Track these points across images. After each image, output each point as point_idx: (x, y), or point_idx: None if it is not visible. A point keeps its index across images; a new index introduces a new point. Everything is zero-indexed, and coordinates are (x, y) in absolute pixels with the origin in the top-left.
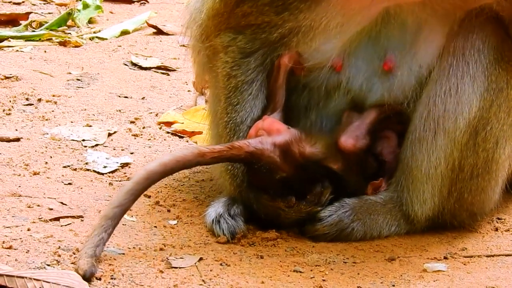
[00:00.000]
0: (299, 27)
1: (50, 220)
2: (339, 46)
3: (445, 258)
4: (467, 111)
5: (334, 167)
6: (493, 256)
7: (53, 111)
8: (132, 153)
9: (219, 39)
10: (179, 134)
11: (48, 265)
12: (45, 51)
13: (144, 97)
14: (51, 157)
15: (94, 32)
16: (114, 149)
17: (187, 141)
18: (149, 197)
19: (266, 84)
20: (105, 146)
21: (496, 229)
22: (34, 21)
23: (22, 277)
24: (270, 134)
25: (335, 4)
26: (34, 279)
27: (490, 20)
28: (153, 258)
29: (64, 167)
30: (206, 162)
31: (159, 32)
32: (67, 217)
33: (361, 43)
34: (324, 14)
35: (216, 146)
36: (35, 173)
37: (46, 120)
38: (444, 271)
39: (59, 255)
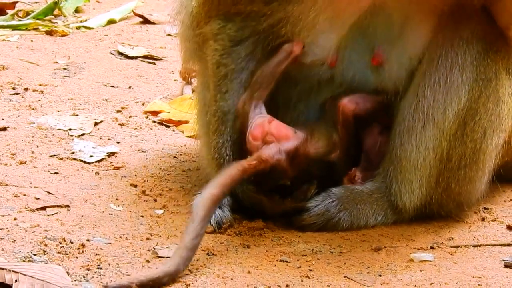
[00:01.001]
0: (288, 17)
1: (37, 209)
2: (334, 40)
3: (432, 248)
4: (456, 102)
5: (331, 158)
6: (479, 246)
7: (39, 100)
8: (118, 142)
9: (209, 27)
10: (166, 123)
11: (35, 254)
12: (31, 41)
13: (130, 86)
14: (37, 146)
15: (81, 22)
16: (100, 138)
17: (174, 130)
18: (136, 186)
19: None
20: (92, 135)
21: (483, 219)
22: (20, 10)
23: (3, 269)
24: (279, 140)
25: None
26: (13, 271)
27: (478, 10)
28: (140, 248)
29: (51, 156)
30: (246, 177)
31: (145, 21)
32: (53, 206)
33: (352, 37)
34: (313, 6)
35: (251, 162)
36: (21, 163)
37: (33, 109)
38: (430, 261)
39: (46, 245)
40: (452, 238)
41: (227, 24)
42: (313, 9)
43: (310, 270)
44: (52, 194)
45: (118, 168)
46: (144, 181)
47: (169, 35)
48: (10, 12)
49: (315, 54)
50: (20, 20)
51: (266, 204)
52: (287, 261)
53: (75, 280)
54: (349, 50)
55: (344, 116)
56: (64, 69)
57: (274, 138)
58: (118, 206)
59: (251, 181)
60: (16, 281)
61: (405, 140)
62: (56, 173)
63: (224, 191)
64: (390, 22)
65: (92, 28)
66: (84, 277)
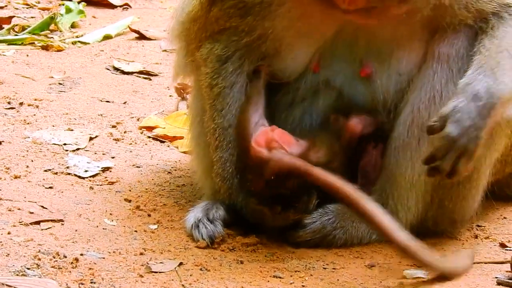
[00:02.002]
0: (266, 34)
1: (31, 223)
2: (311, 51)
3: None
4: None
5: (331, 167)
6: (472, 263)
7: (34, 115)
8: (113, 158)
9: (199, 53)
10: (161, 139)
11: (28, 268)
12: (27, 55)
13: (126, 102)
14: (32, 160)
15: (77, 37)
16: (95, 153)
17: (168, 146)
18: (130, 201)
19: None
20: (86, 150)
21: (476, 236)
22: (16, 25)
23: None
24: (283, 146)
25: (294, 14)
26: (7, 285)
27: (474, 28)
28: (133, 263)
29: (45, 170)
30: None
31: (141, 37)
32: (47, 220)
33: (337, 47)
34: (286, 23)
35: (296, 162)
36: (16, 177)
37: (28, 123)
38: (423, 278)
39: (39, 259)
40: (445, 255)
41: (214, 46)
42: (286, 24)
43: (303, 286)
44: (46, 208)
45: (112, 183)
46: (139, 196)
47: (165, 50)
48: (6, 26)
49: (296, 62)
50: (16, 35)
51: (269, 216)
52: (280, 277)
53: None
54: (335, 59)
55: (351, 136)
56: (60, 84)
57: (278, 144)
58: (112, 221)
59: (253, 193)
60: None
61: (400, 156)
62: (50, 187)
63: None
64: (380, 38)
65: (88, 43)
66: None
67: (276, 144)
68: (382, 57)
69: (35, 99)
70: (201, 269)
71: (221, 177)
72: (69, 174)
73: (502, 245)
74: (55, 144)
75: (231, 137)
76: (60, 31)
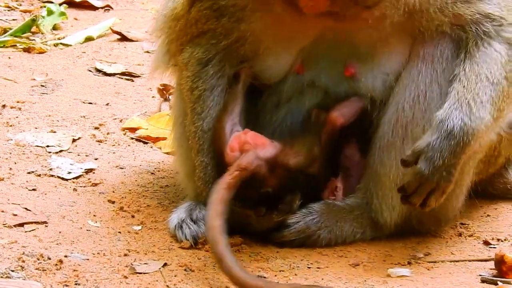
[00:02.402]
0: (244, 37)
1: (14, 226)
2: (293, 54)
3: (409, 263)
4: (435, 119)
5: (312, 171)
6: (456, 261)
7: (17, 117)
8: (96, 159)
9: (181, 57)
10: (143, 140)
11: (12, 270)
12: (9, 58)
13: (108, 103)
14: (15, 163)
15: (59, 39)
16: (78, 155)
17: (151, 147)
18: (113, 203)
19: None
20: (70, 152)
21: (460, 234)
22: None
23: None
24: (256, 148)
25: (268, 20)
26: None
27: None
28: (118, 264)
29: (29, 173)
30: (235, 189)
31: (123, 38)
32: (31, 222)
33: (320, 49)
34: (262, 27)
35: (232, 173)
36: None
37: (11, 126)
38: (408, 276)
39: (24, 261)
40: (429, 254)
41: (194, 50)
42: (263, 28)
43: None
44: (30, 210)
45: (96, 185)
46: (122, 197)
47: (147, 52)
48: None
49: (278, 64)
50: None
51: (252, 219)
52: (264, 277)
53: None
54: (319, 60)
55: (332, 128)
56: (42, 86)
57: (251, 146)
58: (96, 222)
59: (235, 196)
60: None
61: (384, 155)
62: (34, 189)
63: (221, 217)
64: (363, 39)
65: (70, 45)
66: None
67: (249, 146)
68: (365, 58)
69: (18, 102)
70: (185, 270)
71: (203, 181)
72: (52, 176)
73: (486, 243)
74: (38, 146)
75: (209, 140)
76: (42, 33)
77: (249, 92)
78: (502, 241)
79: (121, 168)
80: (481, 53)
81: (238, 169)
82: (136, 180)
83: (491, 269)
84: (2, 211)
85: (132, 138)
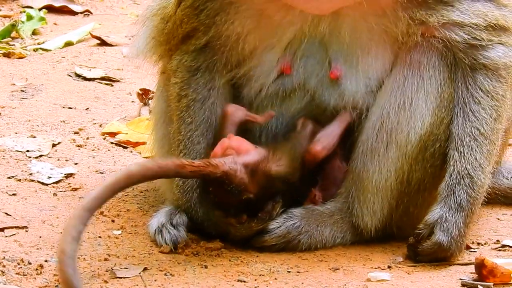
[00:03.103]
0: (229, 36)
1: None
2: (279, 50)
3: (389, 267)
4: (420, 126)
5: (292, 180)
6: (437, 265)
7: None
8: (76, 164)
9: (169, 65)
10: (123, 145)
11: None
12: None
13: (88, 108)
14: None
15: (38, 44)
16: (58, 160)
17: (131, 152)
18: None
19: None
20: (49, 157)
21: None
22: None
23: None
24: (239, 154)
25: (253, 14)
26: None
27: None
28: (98, 269)
29: (9, 177)
30: (185, 175)
31: (103, 43)
32: (11, 227)
33: (306, 49)
34: (247, 23)
35: (195, 161)
36: None
37: None
38: (388, 280)
39: (4, 266)
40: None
41: (183, 57)
42: (247, 24)
43: None
44: (10, 215)
45: (76, 189)
46: None
47: (127, 56)
48: None
49: (265, 64)
50: None
51: (232, 227)
52: (244, 281)
53: None
54: (306, 61)
55: (314, 160)
56: (22, 91)
57: (234, 151)
58: None
59: (216, 203)
60: None
61: (367, 160)
62: (14, 194)
63: (146, 175)
64: (348, 41)
65: (50, 50)
66: None
67: (231, 152)
68: (350, 60)
69: None
70: (165, 274)
71: (181, 189)
72: (32, 180)
73: (466, 247)
74: (18, 151)
75: (196, 153)
76: (22, 38)
77: (233, 88)
78: (482, 245)
79: (101, 172)
80: (471, 102)
81: (205, 163)
82: (151, 180)
83: (471, 273)
84: None
85: (111, 143)
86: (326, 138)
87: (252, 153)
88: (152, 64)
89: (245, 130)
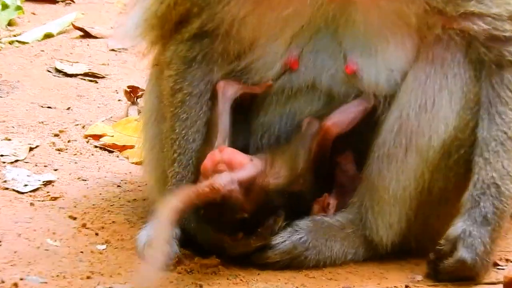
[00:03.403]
0: (227, 21)
1: None
2: (284, 42)
3: (407, 286)
4: (443, 130)
5: (294, 189)
6: (460, 284)
7: None
8: (56, 170)
9: (163, 56)
10: (109, 149)
11: None
12: None
13: (69, 107)
14: None
15: (14, 36)
16: (36, 166)
17: (118, 156)
18: (75, 219)
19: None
20: (26, 162)
21: None
22: None
23: None
24: (232, 169)
25: None
26: None
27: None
28: (80, 287)
29: None
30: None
31: (86, 35)
32: None
33: (316, 41)
34: (242, 3)
35: (204, 188)
36: None
37: None
38: None
39: None
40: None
41: (178, 47)
42: (248, 8)
43: None
44: None
45: (55, 199)
46: (85, 213)
47: (113, 50)
48: None
49: (267, 55)
50: None
51: (228, 244)
52: None
53: None
54: (314, 53)
55: (325, 139)
56: None
57: (226, 166)
58: (55, 241)
59: (207, 220)
60: None
61: (384, 167)
62: None
63: (178, 216)
64: (365, 30)
65: (27, 42)
66: None
67: (223, 167)
68: (368, 50)
69: None
70: None
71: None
72: (6, 189)
73: (494, 264)
74: None
75: (192, 151)
76: None
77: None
78: (511, 261)
79: (83, 180)
80: (497, 103)
81: (210, 188)
82: (100, 194)
83: None
84: None
85: (96, 147)
86: (340, 115)
87: (247, 167)
88: (142, 52)
89: (244, 134)
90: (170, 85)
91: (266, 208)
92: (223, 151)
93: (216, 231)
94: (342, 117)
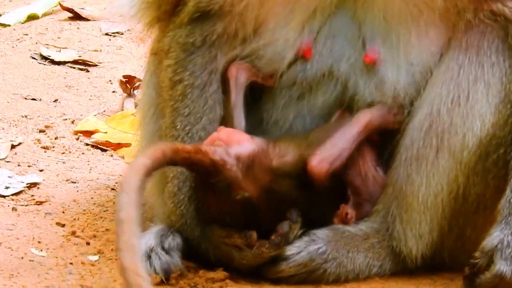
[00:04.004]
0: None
1: None
2: (297, 27)
3: None
4: (479, 127)
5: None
6: None
7: None
8: (41, 171)
9: (161, 44)
10: (102, 147)
11: None
12: None
13: (57, 100)
14: None
15: None
16: (18, 165)
17: (111, 155)
18: (63, 226)
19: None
20: (8, 162)
21: None
22: None
23: None
24: (230, 146)
25: None
26: None
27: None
28: None
29: None
30: (177, 162)
31: (76, 16)
32: None
33: (332, 25)
34: None
35: (186, 145)
36: None
37: None
38: None
39: None
40: None
41: (176, 33)
42: None
43: None
44: None
45: (41, 203)
46: (74, 219)
47: (107, 34)
48: None
49: (277, 42)
50: None
51: (240, 247)
52: None
53: None
54: (331, 39)
55: (318, 180)
56: None
57: (223, 142)
58: (41, 250)
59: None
60: None
61: (412, 170)
62: None
63: (154, 167)
64: (387, 15)
65: (9, 25)
66: None
67: (220, 143)
68: (389, 40)
69: None
70: None
71: (175, 200)
72: None
73: None
74: None
75: None
76: None
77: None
78: None
79: (72, 182)
80: None
81: (195, 148)
82: (92, 198)
83: None
84: None
85: (87, 144)
86: (327, 149)
87: (245, 143)
88: (140, 36)
89: (262, 134)
90: (169, 76)
91: (276, 202)
92: (221, 131)
93: (225, 233)
94: (331, 151)
